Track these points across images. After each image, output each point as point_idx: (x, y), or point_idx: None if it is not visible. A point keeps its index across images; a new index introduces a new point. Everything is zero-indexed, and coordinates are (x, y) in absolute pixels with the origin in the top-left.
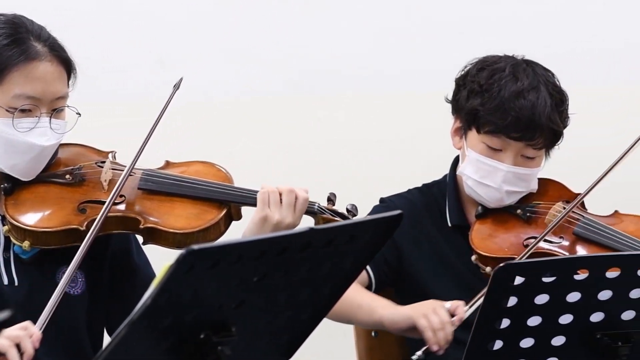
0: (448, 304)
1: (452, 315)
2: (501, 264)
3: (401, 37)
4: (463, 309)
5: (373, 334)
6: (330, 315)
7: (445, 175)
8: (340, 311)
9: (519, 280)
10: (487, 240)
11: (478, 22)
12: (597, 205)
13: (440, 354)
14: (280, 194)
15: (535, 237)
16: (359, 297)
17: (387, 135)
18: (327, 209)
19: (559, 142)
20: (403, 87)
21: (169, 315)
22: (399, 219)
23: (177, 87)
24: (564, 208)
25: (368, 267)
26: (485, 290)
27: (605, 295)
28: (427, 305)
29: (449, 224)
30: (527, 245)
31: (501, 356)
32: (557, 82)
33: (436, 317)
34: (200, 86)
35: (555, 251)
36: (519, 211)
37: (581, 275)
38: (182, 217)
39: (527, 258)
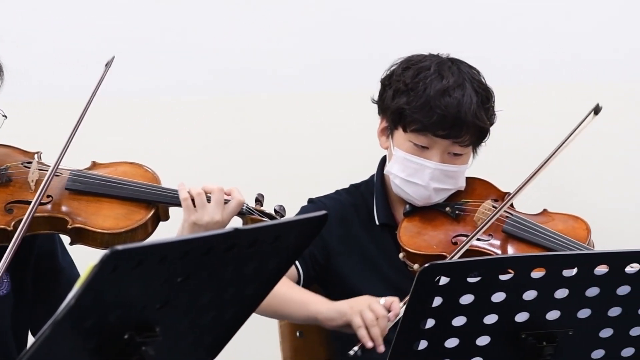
0: (383, 300)
1: (388, 311)
2: (426, 265)
3: (322, 36)
4: (398, 305)
5: (298, 334)
6: (261, 310)
7: (373, 175)
8: (271, 306)
9: (444, 280)
10: (415, 238)
11: (403, 22)
12: (525, 203)
13: (381, 351)
14: (208, 193)
15: (463, 235)
16: (291, 292)
17: (316, 135)
18: (255, 210)
19: (485, 139)
20: (329, 87)
21: (93, 316)
22: (324, 220)
23: (109, 65)
24: (493, 206)
25: (297, 263)
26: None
27: (530, 295)
28: (362, 302)
29: (377, 223)
30: (455, 243)
31: (426, 356)
32: (483, 80)
33: (370, 313)
34: (125, 86)
35: (485, 249)
36: (447, 209)
37: (506, 276)
38: (110, 217)
39: (458, 256)
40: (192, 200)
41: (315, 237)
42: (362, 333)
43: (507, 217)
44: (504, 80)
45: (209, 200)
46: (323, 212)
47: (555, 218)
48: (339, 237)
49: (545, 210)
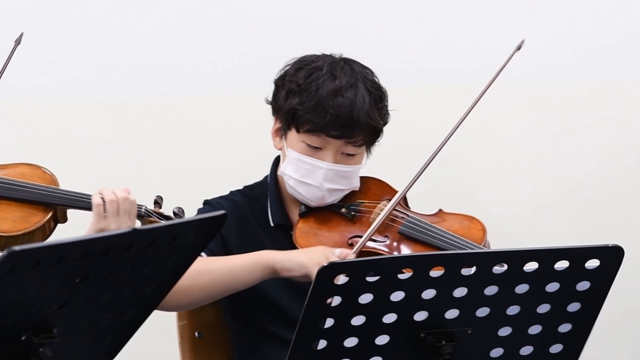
0: (338, 251)
1: None
2: (325, 264)
3: (212, 36)
4: (353, 257)
5: (197, 334)
6: (188, 299)
7: (267, 176)
8: (201, 288)
9: (342, 279)
10: (311, 239)
11: (295, 21)
12: (421, 204)
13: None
14: (117, 202)
15: (359, 236)
16: (223, 262)
17: (212, 137)
18: (154, 212)
19: (379, 139)
20: (221, 88)
21: None
22: (223, 219)
23: (18, 42)
24: (387, 206)
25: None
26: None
27: (429, 294)
28: (319, 253)
29: (272, 224)
30: (351, 244)
31: (325, 356)
32: (376, 79)
33: None
34: (23, 86)
35: (380, 250)
36: (343, 210)
37: (405, 275)
38: (7, 219)
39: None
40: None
41: (214, 237)
42: None
43: (402, 218)
44: (397, 79)
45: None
46: (222, 212)
47: (451, 219)
48: (238, 237)
49: (440, 210)
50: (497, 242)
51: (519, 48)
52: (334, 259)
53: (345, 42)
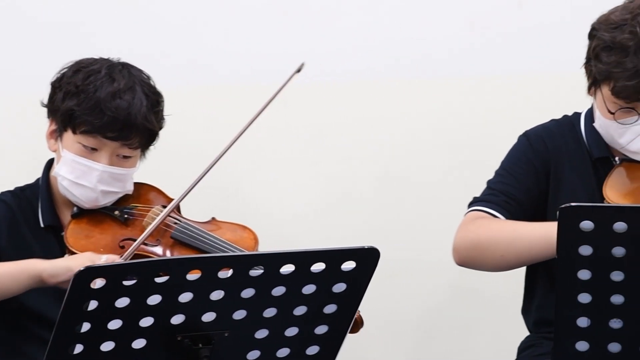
0: (104, 257)
1: None
2: (80, 269)
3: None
4: (120, 260)
5: None
6: None
7: (39, 179)
8: None
9: (99, 283)
10: (82, 240)
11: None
12: (195, 212)
13: None
14: None
15: (131, 239)
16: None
17: None
18: None
19: (154, 143)
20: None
21: None
22: None
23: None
24: (161, 211)
25: None
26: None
27: (185, 297)
28: (85, 257)
29: (42, 225)
30: (123, 247)
31: None
32: (152, 83)
33: None
34: None
35: (152, 253)
36: (116, 212)
37: (162, 278)
38: None
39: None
40: None
41: None
42: None
43: (175, 223)
44: (171, 82)
45: None
46: None
47: (224, 227)
48: (7, 238)
49: (214, 218)
50: (267, 246)
51: (298, 71)
52: (100, 262)
53: (123, 44)
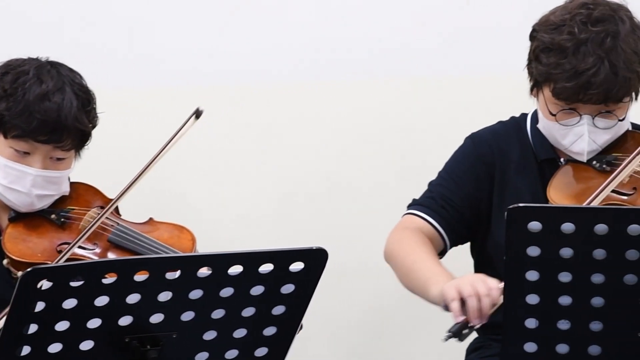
0: None
1: None
2: (28, 269)
3: None
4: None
5: None
6: None
7: None
8: None
9: (46, 284)
10: (19, 245)
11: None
12: (133, 211)
13: None
14: None
15: (68, 243)
16: None
17: None
18: None
19: (88, 143)
20: None
21: None
22: None
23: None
24: (98, 214)
25: None
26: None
27: (133, 298)
28: None
29: None
30: (60, 251)
31: None
32: (84, 83)
33: None
34: None
35: (88, 257)
36: (53, 216)
37: (110, 279)
38: None
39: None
40: None
41: None
42: None
43: (112, 225)
44: (108, 81)
45: None
46: None
47: (162, 228)
48: None
49: (151, 219)
50: (211, 247)
51: (197, 117)
52: None
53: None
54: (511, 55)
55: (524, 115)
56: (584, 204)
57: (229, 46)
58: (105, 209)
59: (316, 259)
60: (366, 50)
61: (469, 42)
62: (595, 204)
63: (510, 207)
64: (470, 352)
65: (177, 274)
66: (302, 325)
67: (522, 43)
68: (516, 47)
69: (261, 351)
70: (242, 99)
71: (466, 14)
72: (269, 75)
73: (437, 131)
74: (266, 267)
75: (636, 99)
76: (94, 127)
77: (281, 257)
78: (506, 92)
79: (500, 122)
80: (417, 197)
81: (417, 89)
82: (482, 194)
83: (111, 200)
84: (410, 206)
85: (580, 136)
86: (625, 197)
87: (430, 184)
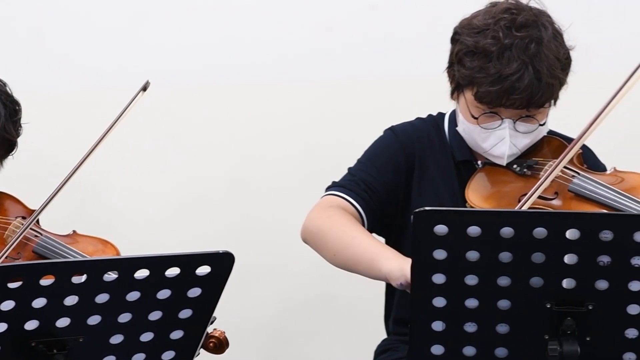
0: None
1: None
2: None
3: None
4: None
5: None
6: None
7: None
8: None
9: None
10: None
11: None
12: (56, 222)
13: None
14: None
15: None
16: None
17: None
18: None
19: (13, 152)
20: None
21: None
22: None
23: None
24: (22, 224)
25: None
26: None
27: (39, 302)
28: None
29: None
30: None
31: None
32: (10, 92)
33: None
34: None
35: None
36: None
37: (15, 284)
38: None
39: None
40: None
41: None
42: None
43: (36, 236)
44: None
45: None
46: None
47: (85, 241)
48: None
49: (74, 231)
50: (129, 252)
51: (144, 89)
52: None
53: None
54: (419, 60)
55: (442, 115)
56: (516, 209)
57: (135, 48)
58: (32, 217)
59: (222, 262)
60: (273, 54)
61: (375, 47)
62: (525, 208)
63: (416, 210)
64: (379, 354)
65: (84, 278)
66: (214, 317)
67: (430, 48)
68: (423, 52)
69: (168, 354)
70: (152, 103)
71: (372, 19)
72: (176, 79)
73: (342, 134)
74: (173, 271)
75: (555, 104)
76: (18, 136)
77: (188, 261)
78: (413, 95)
79: (419, 118)
80: (337, 180)
81: (321, 93)
82: (399, 184)
83: (33, 210)
84: (330, 188)
85: (502, 139)
86: (549, 202)
87: (350, 169)
